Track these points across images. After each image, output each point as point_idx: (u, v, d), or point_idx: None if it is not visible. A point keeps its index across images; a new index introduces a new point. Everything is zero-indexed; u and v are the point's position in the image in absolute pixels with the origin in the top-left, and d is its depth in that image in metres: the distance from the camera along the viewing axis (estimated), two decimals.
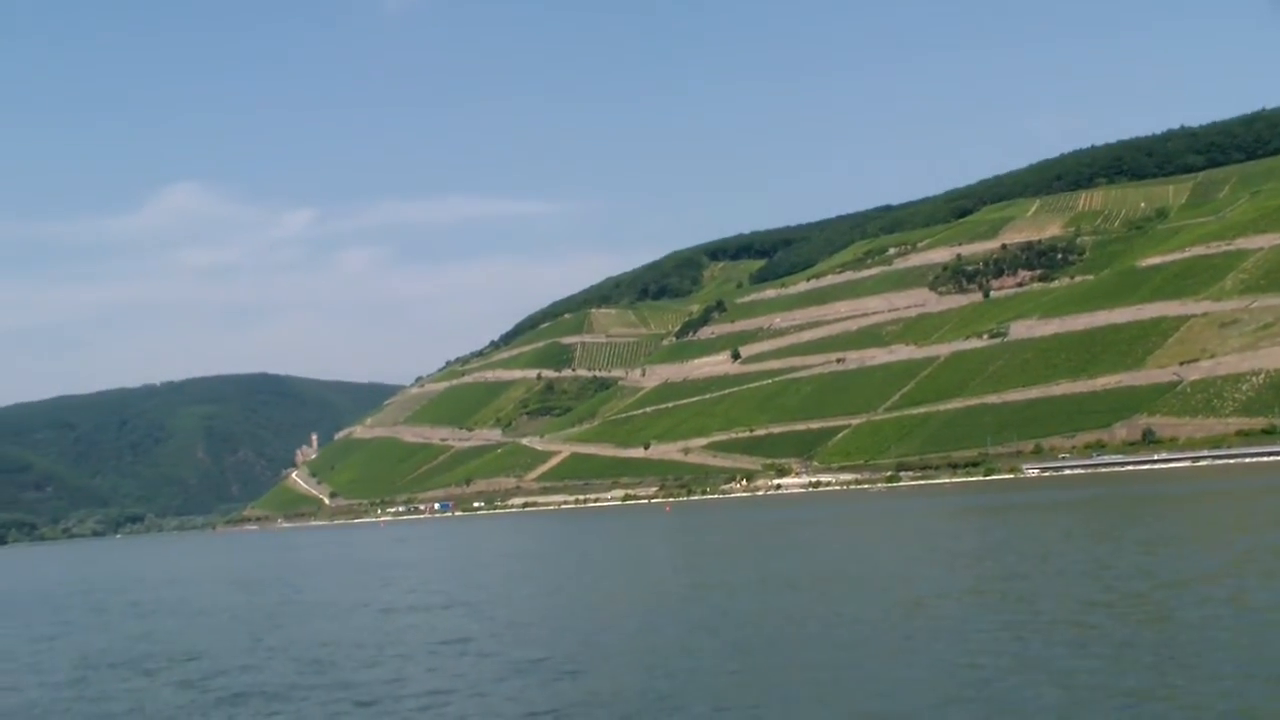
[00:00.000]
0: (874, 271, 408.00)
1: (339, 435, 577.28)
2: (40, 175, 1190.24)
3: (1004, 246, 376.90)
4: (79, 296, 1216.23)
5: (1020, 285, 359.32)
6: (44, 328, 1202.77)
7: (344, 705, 29.52)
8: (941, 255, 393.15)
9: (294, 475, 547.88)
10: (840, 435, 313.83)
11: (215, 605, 69.58)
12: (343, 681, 33.31)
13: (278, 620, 54.95)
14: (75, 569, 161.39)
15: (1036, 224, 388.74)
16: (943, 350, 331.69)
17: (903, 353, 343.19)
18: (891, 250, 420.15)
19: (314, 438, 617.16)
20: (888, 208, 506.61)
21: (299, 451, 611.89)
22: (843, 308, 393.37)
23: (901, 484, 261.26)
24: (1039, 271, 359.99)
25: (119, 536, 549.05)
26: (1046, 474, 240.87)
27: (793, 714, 25.44)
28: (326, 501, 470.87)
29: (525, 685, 30.75)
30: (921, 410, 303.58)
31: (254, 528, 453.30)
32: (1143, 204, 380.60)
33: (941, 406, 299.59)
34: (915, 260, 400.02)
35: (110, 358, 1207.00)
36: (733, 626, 39.68)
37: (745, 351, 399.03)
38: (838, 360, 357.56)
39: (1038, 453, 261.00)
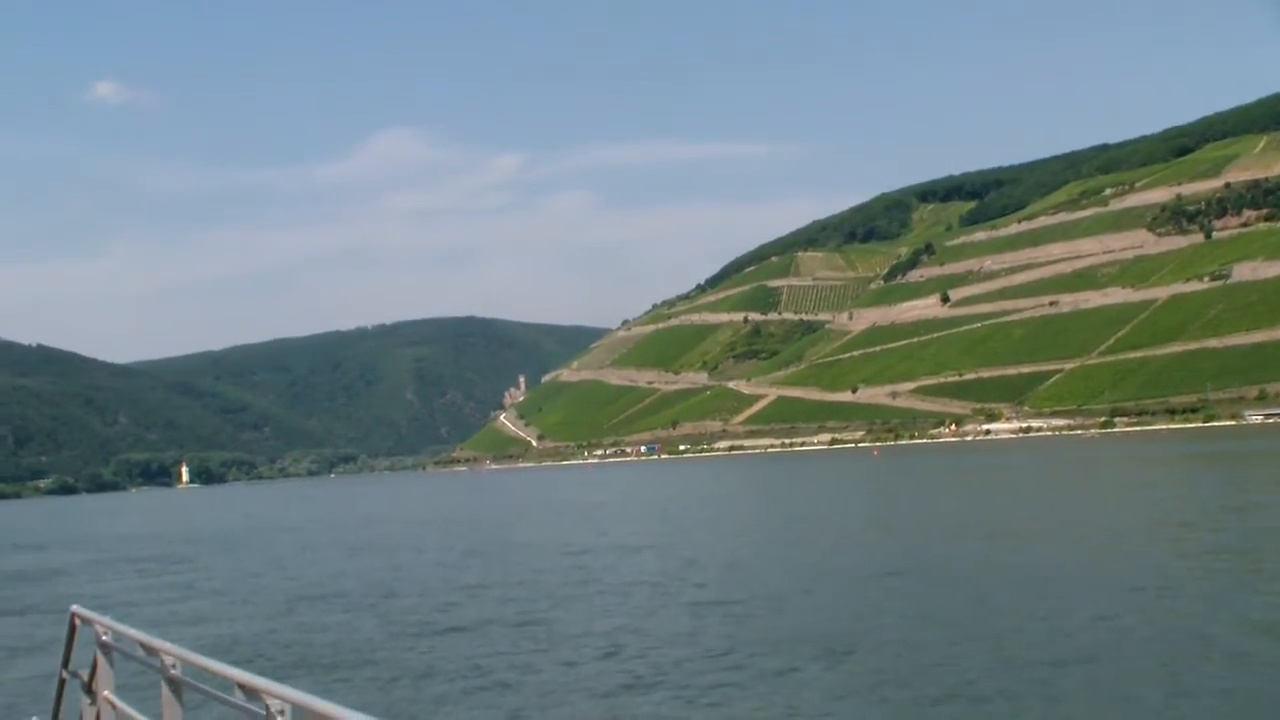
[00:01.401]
0: (1089, 213, 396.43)
1: (546, 378, 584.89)
2: (258, 125, 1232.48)
3: (1227, 185, 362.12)
4: (294, 241, 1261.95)
5: (1245, 225, 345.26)
6: (262, 272, 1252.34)
7: (532, 643, 30.12)
8: (1160, 195, 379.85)
9: (502, 417, 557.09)
10: (1052, 380, 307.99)
11: (419, 544, 71.45)
12: (534, 619, 34.05)
13: (478, 560, 56.40)
14: (290, 507, 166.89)
15: (1263, 161, 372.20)
16: (1161, 293, 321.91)
17: (1118, 295, 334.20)
18: (1107, 191, 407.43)
19: (521, 380, 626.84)
20: (1104, 147, 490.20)
21: (507, 393, 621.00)
22: (1056, 250, 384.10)
23: (1116, 430, 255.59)
24: (1265, 211, 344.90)
25: (332, 476, 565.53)
26: (1271, 420, 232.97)
27: (947, 659, 24.90)
28: (534, 443, 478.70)
29: (706, 626, 31.10)
30: (1138, 354, 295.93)
31: (463, 469, 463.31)
32: None
33: (1159, 351, 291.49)
34: (1132, 201, 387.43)
35: (324, 301, 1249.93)
36: (919, 573, 39.67)
37: (954, 295, 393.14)
38: (1050, 303, 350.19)
39: (1262, 399, 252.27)
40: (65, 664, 8.60)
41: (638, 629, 31.37)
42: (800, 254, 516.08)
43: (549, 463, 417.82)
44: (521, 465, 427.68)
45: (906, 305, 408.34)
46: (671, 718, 21.64)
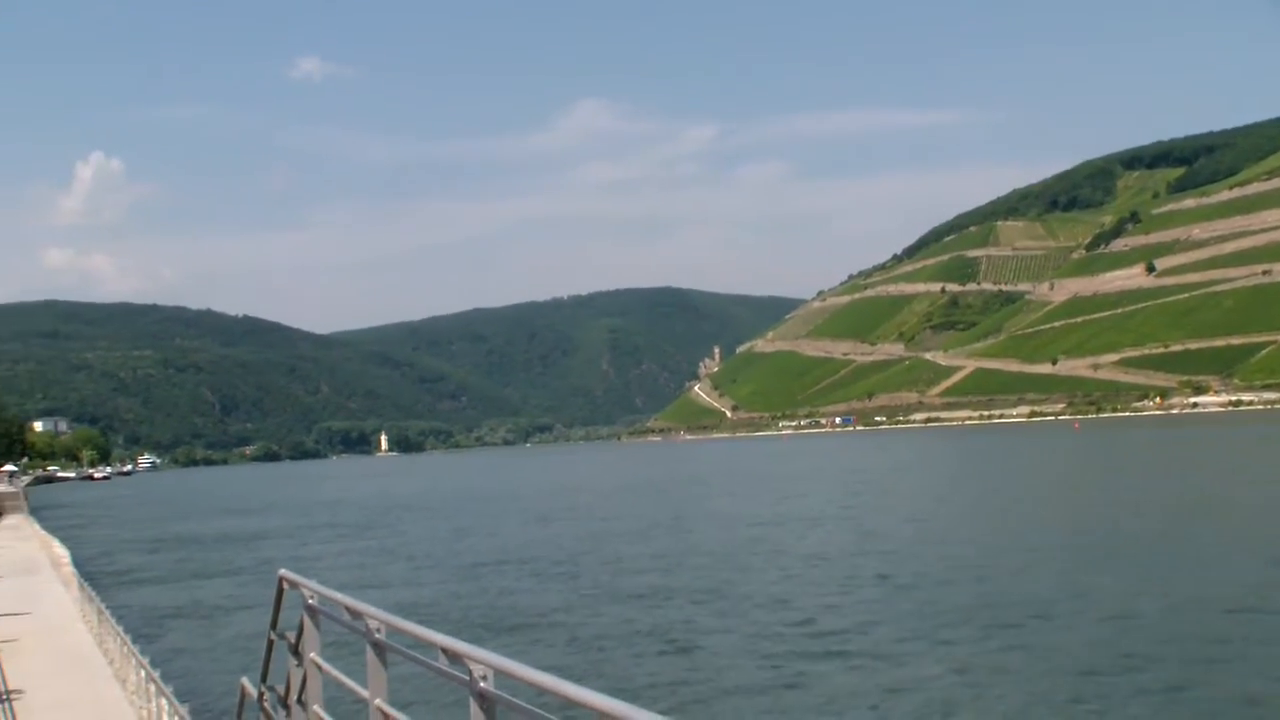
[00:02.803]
0: None
1: (740, 348, 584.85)
2: (455, 99, 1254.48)
3: None
4: (491, 213, 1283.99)
5: None
6: (459, 243, 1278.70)
7: (702, 612, 30.42)
8: None
9: (696, 388, 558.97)
10: (1265, 351, 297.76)
11: (609, 513, 72.53)
12: (717, 588, 34.37)
13: (666, 529, 56.94)
14: (485, 476, 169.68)
15: None
16: None
17: None
18: None
19: (716, 351, 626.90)
20: None
21: (701, 364, 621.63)
22: (1270, 217, 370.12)
23: None
24: None
25: (528, 445, 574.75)
26: None
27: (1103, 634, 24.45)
28: (728, 414, 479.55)
29: (889, 598, 31.18)
30: None
31: (657, 439, 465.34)
32: None
33: None
34: None
35: (519, 271, 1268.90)
36: (1104, 550, 38.91)
37: (1160, 264, 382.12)
38: (1264, 272, 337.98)
39: None
40: (273, 626, 9.06)
41: (820, 600, 31.40)
42: (1000, 223, 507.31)
43: (743, 434, 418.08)
44: (715, 436, 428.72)
45: (1110, 275, 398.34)
46: (849, 685, 21.70)
